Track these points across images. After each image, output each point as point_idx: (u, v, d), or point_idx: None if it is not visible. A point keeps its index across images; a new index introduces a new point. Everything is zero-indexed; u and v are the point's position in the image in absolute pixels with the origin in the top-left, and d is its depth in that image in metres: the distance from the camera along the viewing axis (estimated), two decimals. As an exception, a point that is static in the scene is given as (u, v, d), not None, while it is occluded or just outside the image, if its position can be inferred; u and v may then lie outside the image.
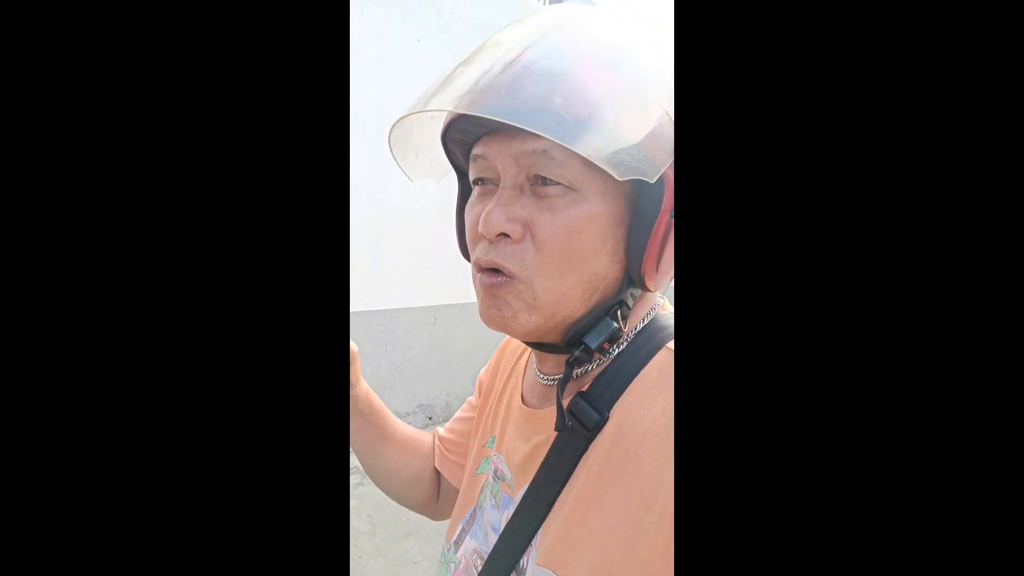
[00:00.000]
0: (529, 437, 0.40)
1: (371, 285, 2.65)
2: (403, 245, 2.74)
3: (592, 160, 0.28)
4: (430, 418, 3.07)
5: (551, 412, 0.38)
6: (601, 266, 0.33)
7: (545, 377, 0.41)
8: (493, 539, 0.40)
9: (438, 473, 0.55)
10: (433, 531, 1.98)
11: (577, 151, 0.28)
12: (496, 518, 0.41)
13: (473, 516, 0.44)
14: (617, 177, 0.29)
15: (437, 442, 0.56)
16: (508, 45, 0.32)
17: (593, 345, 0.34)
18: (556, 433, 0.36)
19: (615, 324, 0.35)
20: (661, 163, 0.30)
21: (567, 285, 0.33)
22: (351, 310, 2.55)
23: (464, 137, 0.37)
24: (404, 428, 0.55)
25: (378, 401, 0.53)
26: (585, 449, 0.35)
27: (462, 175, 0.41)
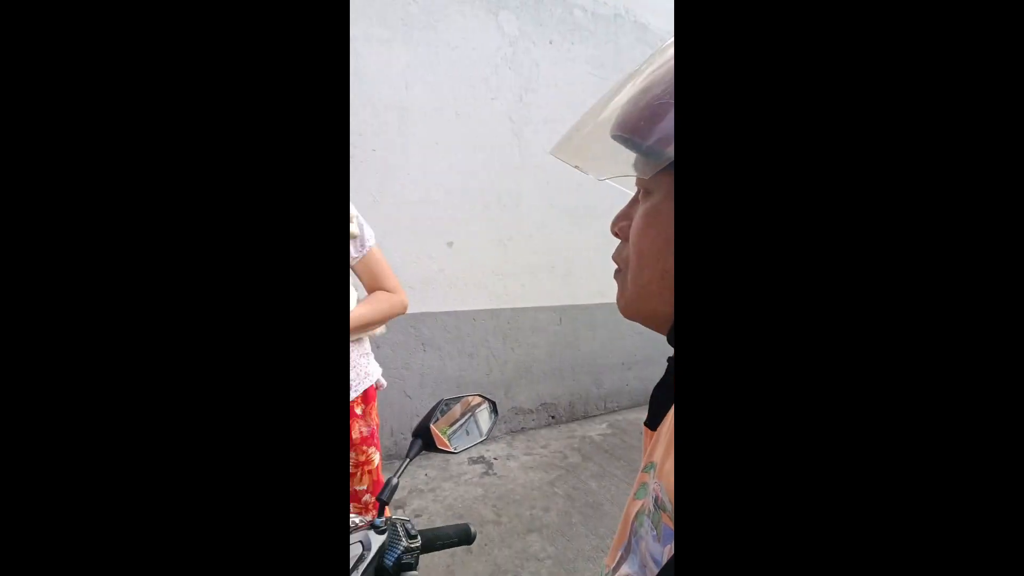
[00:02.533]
0: None
1: (500, 284, 2.75)
2: (531, 245, 2.80)
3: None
4: (552, 417, 3.09)
5: None
6: (667, 265, 0.34)
7: None
8: (653, 570, 0.37)
9: None
10: (555, 530, 1.98)
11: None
12: (657, 551, 0.38)
13: (630, 545, 0.42)
14: (646, 177, 0.33)
15: None
16: (657, 64, 0.35)
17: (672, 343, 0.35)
18: None
19: None
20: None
21: (645, 279, 0.35)
22: (482, 308, 2.69)
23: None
24: None
25: None
26: None
27: None
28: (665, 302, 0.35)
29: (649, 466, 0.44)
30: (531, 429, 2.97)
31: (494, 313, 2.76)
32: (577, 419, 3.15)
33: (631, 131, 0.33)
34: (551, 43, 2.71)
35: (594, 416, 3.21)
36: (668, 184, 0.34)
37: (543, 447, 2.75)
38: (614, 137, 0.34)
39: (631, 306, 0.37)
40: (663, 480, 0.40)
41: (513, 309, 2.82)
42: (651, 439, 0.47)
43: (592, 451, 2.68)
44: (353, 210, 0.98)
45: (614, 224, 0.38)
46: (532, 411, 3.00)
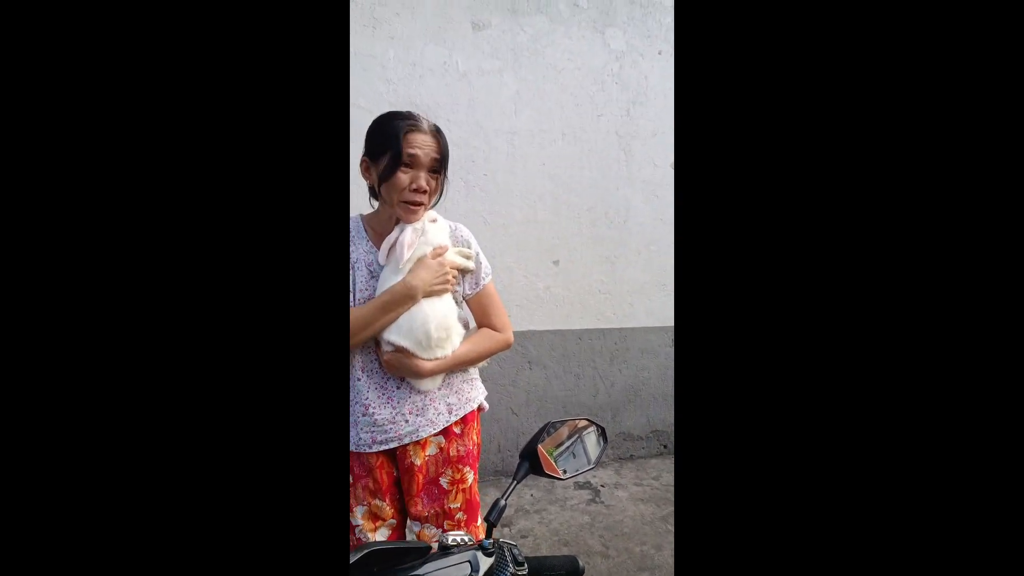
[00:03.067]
0: None
1: (606, 303, 2.67)
2: (640, 263, 2.69)
3: None
4: (664, 446, 2.88)
5: None
6: None
7: None
8: None
9: None
10: (669, 574, 1.81)
11: None
12: None
13: None
14: None
15: None
16: None
17: None
18: None
19: None
20: None
21: None
22: (588, 327, 2.63)
23: None
24: None
25: None
26: None
27: None
28: None
29: None
30: (641, 458, 2.80)
31: (601, 333, 2.68)
32: (693, 450, 2.90)
33: None
34: (660, 54, 2.63)
35: (712, 448, 2.92)
36: None
37: (654, 478, 2.57)
38: None
39: None
40: None
41: (621, 329, 2.71)
42: None
43: (711, 488, 2.43)
44: (475, 245, 1.01)
45: None
46: (642, 438, 2.83)
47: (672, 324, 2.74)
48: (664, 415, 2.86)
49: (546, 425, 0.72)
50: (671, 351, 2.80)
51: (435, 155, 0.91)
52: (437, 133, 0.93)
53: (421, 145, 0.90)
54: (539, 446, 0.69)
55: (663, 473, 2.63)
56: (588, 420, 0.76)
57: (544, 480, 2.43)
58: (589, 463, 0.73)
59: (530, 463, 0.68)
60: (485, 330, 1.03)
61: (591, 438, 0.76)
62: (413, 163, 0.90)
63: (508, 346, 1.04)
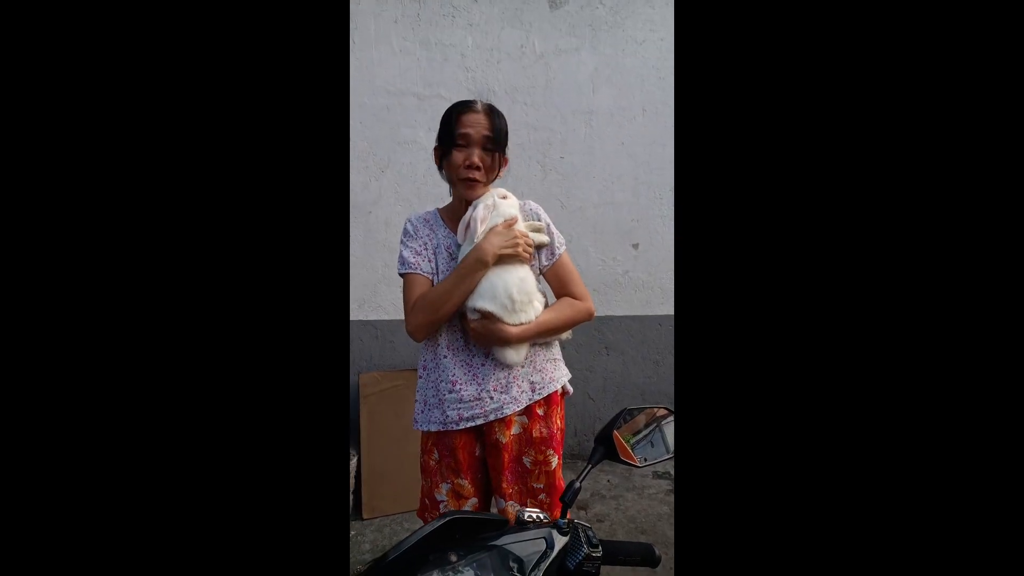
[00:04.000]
0: None
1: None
2: (726, 245, 2.52)
3: None
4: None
5: None
6: None
7: None
8: None
9: None
10: (754, 572, 1.72)
11: None
12: None
13: None
14: None
15: None
16: None
17: None
18: None
19: None
20: None
21: None
22: (666, 313, 2.52)
23: None
24: None
25: None
26: None
27: None
28: None
29: None
30: (725, 450, 2.67)
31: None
32: (785, 446, 2.70)
33: None
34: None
35: (808, 446, 2.71)
36: None
37: (740, 473, 2.44)
38: None
39: None
40: None
41: (705, 315, 2.58)
42: None
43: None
44: (544, 217, 1.02)
45: None
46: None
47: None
48: (752, 407, 2.69)
49: (622, 411, 0.71)
50: (762, 340, 2.61)
51: (486, 132, 0.95)
52: (490, 112, 0.97)
53: (472, 124, 0.95)
54: (615, 432, 0.68)
55: (750, 468, 2.49)
56: (667, 409, 0.73)
57: (621, 467, 2.40)
58: (667, 452, 0.71)
59: (605, 448, 0.68)
60: (566, 299, 1.03)
61: (669, 427, 0.74)
62: (467, 142, 0.95)
63: (591, 315, 1.03)
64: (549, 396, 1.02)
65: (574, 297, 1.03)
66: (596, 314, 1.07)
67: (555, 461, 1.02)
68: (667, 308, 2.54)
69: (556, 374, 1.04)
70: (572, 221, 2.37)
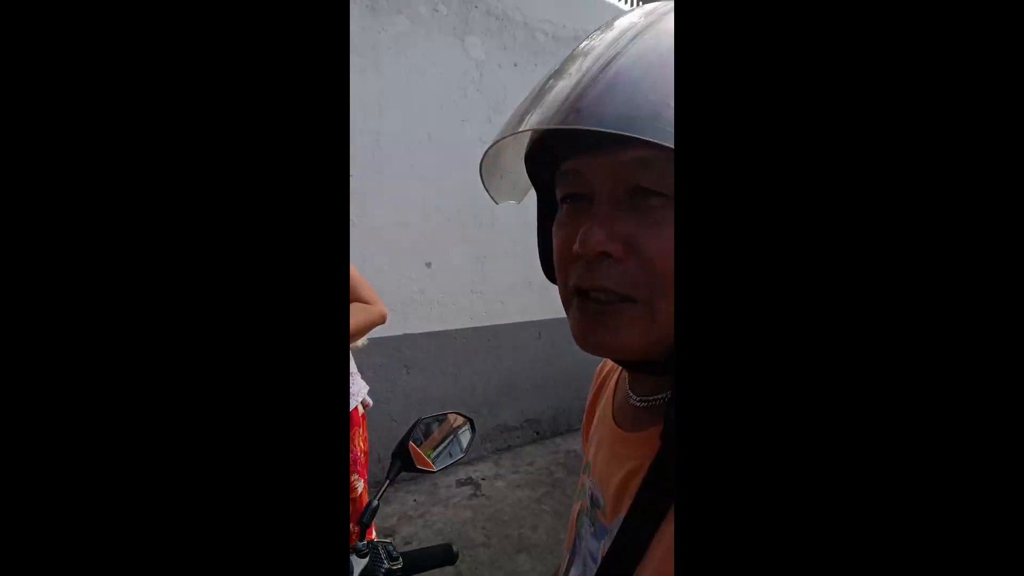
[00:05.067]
0: (622, 463, 0.37)
1: (479, 302, 2.76)
2: (507, 263, 2.83)
3: None
4: (537, 432, 3.08)
5: (644, 436, 0.35)
6: None
7: (638, 399, 0.38)
8: (592, 567, 0.38)
9: None
10: (544, 548, 1.96)
11: None
12: (595, 547, 0.39)
13: (574, 548, 0.43)
14: None
15: None
16: (599, 52, 0.30)
17: None
18: (650, 460, 0.33)
19: None
20: None
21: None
22: (462, 327, 2.69)
23: (551, 153, 0.34)
24: None
25: None
26: None
27: (544, 192, 0.39)
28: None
29: (586, 467, 0.45)
30: (517, 447, 2.96)
31: (475, 332, 2.76)
32: (561, 433, 3.15)
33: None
34: (516, 66, 2.79)
35: (577, 429, 3.21)
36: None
37: (529, 464, 2.74)
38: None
39: (661, 338, 0.30)
40: (596, 478, 0.41)
41: (494, 327, 2.83)
42: (586, 440, 0.48)
43: (576, 464, 2.67)
44: None
45: (611, 242, 0.29)
46: (517, 427, 2.99)
47: (539, 319, 2.94)
48: (535, 404, 3.05)
49: (416, 422, 0.74)
50: (539, 344, 3.00)
51: None
52: None
53: None
54: (410, 443, 0.71)
55: (537, 458, 2.81)
56: (457, 413, 0.80)
57: (427, 483, 2.43)
58: (461, 452, 0.77)
59: (402, 461, 0.70)
60: (356, 303, 1.01)
61: (462, 431, 0.80)
62: None
63: (383, 318, 1.02)
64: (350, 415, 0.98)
65: (364, 301, 1.02)
66: (394, 333, 1.08)
67: (360, 486, 0.98)
68: (462, 322, 2.70)
69: (354, 387, 1.01)
70: (365, 240, 2.32)
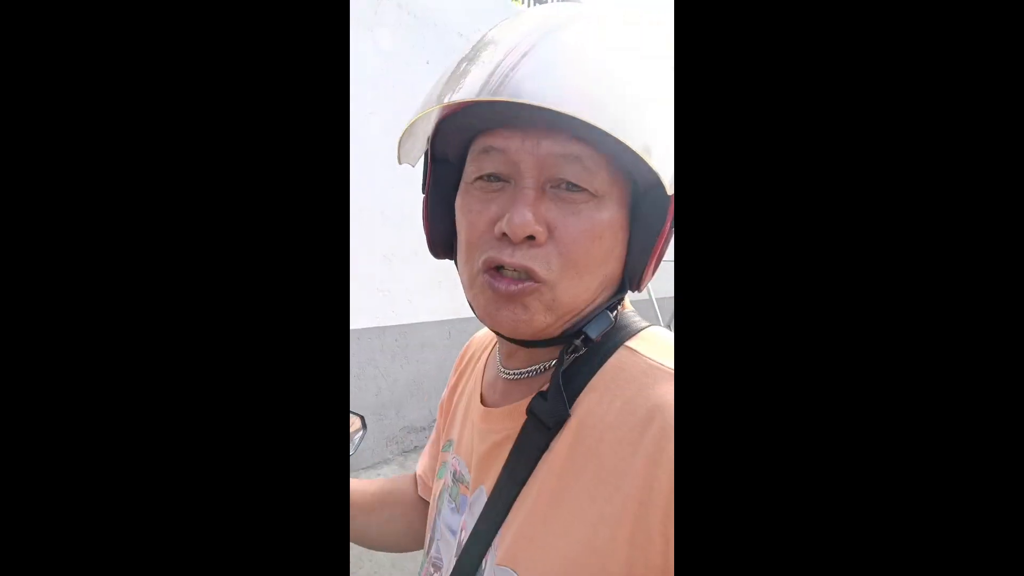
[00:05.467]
0: (486, 436, 0.40)
1: (385, 301, 2.69)
2: (416, 261, 2.79)
3: (651, 165, 0.29)
4: (445, 432, 3.08)
5: (511, 410, 0.38)
6: (610, 269, 0.35)
7: (509, 372, 0.41)
8: (451, 541, 0.41)
9: (419, 504, 0.57)
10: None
11: (634, 149, 0.28)
12: (454, 521, 0.41)
13: (436, 522, 0.45)
14: (669, 191, 0.30)
15: (419, 475, 0.58)
16: (513, 40, 0.31)
17: (594, 335, 0.35)
18: (516, 432, 0.37)
19: (612, 318, 0.37)
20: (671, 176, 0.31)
21: (583, 287, 0.34)
22: (367, 326, 2.60)
23: (465, 129, 0.35)
24: (374, 489, 0.56)
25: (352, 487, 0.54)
26: (546, 447, 0.35)
27: (444, 167, 0.39)
28: (589, 303, 0.35)
29: (447, 444, 0.47)
30: (423, 447, 2.92)
31: (381, 331, 2.68)
32: (470, 431, 3.18)
33: (613, 123, 0.28)
34: (428, 63, 2.77)
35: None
36: (623, 195, 0.33)
37: (437, 463, 2.72)
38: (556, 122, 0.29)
39: (558, 318, 0.34)
40: (460, 454, 0.44)
41: (400, 326, 2.77)
42: (444, 418, 0.50)
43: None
44: None
45: (537, 226, 0.31)
46: (424, 428, 2.96)
47: (449, 318, 2.95)
48: (444, 403, 3.04)
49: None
50: (448, 342, 3.00)
51: None
52: None
53: None
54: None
55: (444, 457, 2.81)
56: (357, 415, 0.79)
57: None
58: (351, 451, 0.76)
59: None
60: None
61: (357, 436, 0.79)
62: None
63: None
64: None
65: None
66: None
67: None
68: (365, 321, 2.61)
69: None
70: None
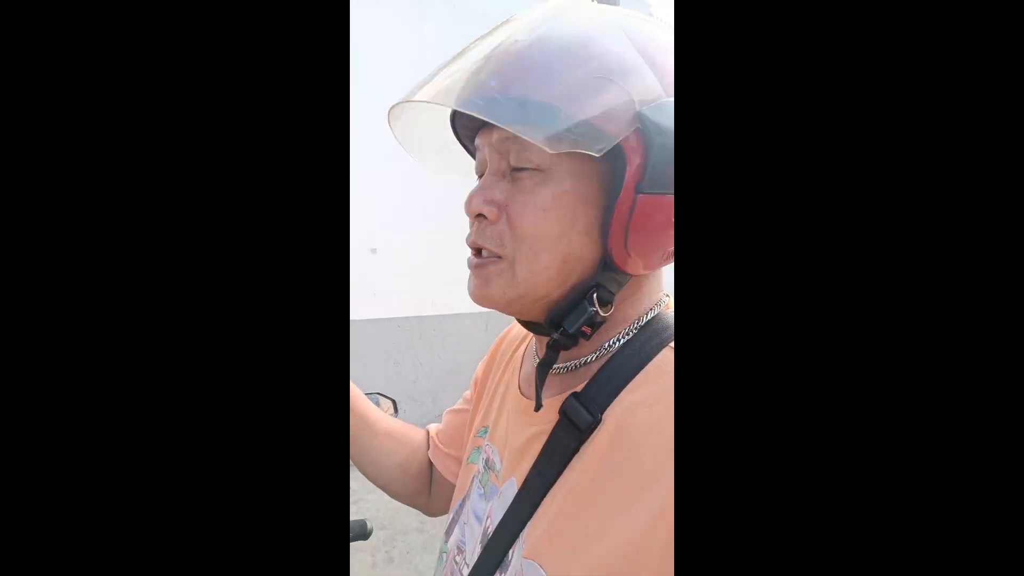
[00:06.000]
0: (524, 427, 0.40)
1: (425, 291, 2.74)
2: (456, 252, 2.82)
3: (519, 134, 0.30)
4: (479, 422, 3.11)
5: (549, 404, 0.38)
6: (575, 246, 0.34)
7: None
8: (476, 527, 0.41)
9: (430, 466, 0.57)
10: (481, 533, 2.00)
11: (508, 128, 0.31)
12: (481, 508, 0.41)
13: (462, 506, 0.45)
14: (548, 150, 0.31)
15: (432, 434, 0.58)
16: (489, 43, 0.34)
17: (571, 329, 0.35)
18: (553, 425, 0.36)
19: (592, 308, 0.35)
20: (610, 138, 0.31)
21: (542, 264, 0.34)
22: (405, 315, 2.66)
23: (469, 132, 0.40)
24: (388, 420, 0.57)
25: (359, 392, 0.55)
26: (577, 449, 0.35)
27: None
28: (559, 284, 0.35)
29: (482, 431, 0.47)
30: (458, 435, 2.97)
31: (420, 320, 2.74)
32: (503, 423, 3.20)
33: (560, 99, 0.30)
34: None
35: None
36: (574, 167, 0.33)
37: (470, 452, 2.76)
38: (500, 99, 0.31)
39: (523, 294, 0.35)
40: (495, 443, 0.43)
41: (439, 316, 2.82)
42: (479, 402, 0.50)
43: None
44: None
45: (485, 204, 0.35)
46: (459, 417, 3.01)
47: (486, 310, 2.96)
48: (479, 394, 3.07)
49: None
50: (486, 334, 3.03)
51: None
52: None
53: None
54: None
55: (478, 447, 2.84)
56: (379, 394, 0.80)
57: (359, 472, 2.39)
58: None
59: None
60: None
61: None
62: None
63: None
64: None
65: None
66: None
67: None
68: (406, 310, 2.67)
69: None
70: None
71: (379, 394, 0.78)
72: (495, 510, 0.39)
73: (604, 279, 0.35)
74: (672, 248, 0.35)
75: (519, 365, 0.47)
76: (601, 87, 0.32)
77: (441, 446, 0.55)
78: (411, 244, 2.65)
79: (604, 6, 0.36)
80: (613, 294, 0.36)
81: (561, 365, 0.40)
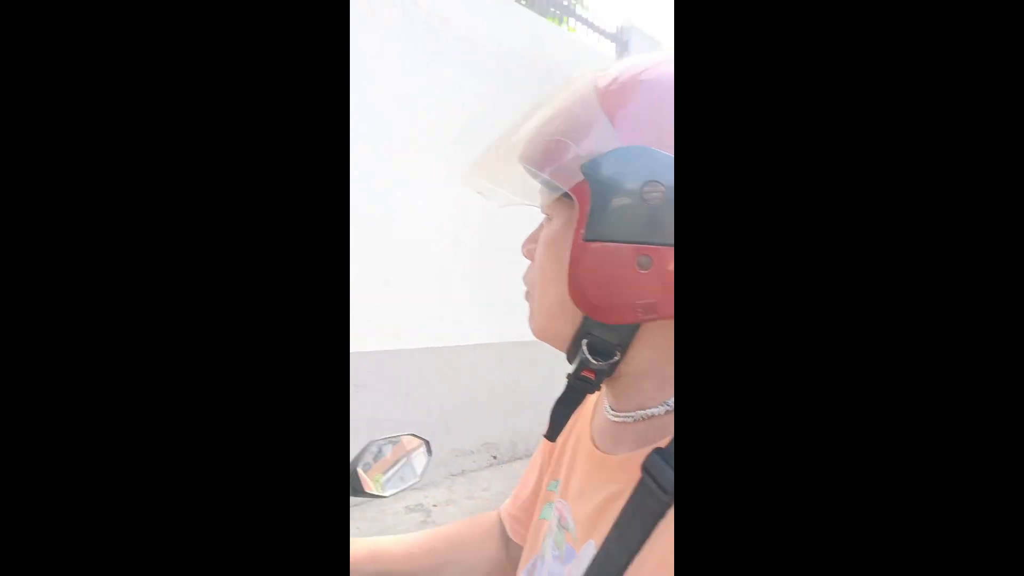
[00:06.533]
0: (600, 486, 0.37)
1: (438, 322, 2.72)
2: (471, 283, 2.81)
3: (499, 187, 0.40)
4: (495, 456, 3.02)
5: (625, 460, 0.35)
6: (564, 291, 0.34)
7: (616, 414, 0.38)
8: None
9: (506, 548, 0.54)
10: None
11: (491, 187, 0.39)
12: (558, 571, 0.38)
13: (535, 566, 0.42)
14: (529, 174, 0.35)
15: (506, 516, 0.55)
16: (550, 105, 0.38)
17: (571, 372, 0.36)
18: (630, 487, 0.33)
19: (585, 354, 0.35)
20: (565, 183, 0.32)
21: (547, 303, 0.36)
22: (418, 346, 2.63)
23: None
24: (423, 544, 0.57)
25: (382, 548, 0.55)
26: (663, 513, 0.31)
27: None
28: (566, 323, 0.35)
29: (553, 484, 0.44)
30: (472, 471, 2.89)
31: (432, 352, 2.71)
32: (519, 458, 3.10)
33: (530, 162, 0.35)
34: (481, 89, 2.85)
35: (535, 454, 3.19)
36: (565, 212, 0.35)
37: (484, 490, 2.68)
38: (522, 164, 0.35)
39: (540, 327, 0.38)
40: (568, 501, 0.40)
41: (452, 348, 2.78)
42: (551, 454, 0.48)
43: (534, 490, 2.64)
44: None
45: (525, 245, 0.40)
46: (473, 452, 2.92)
47: (500, 341, 2.93)
48: (494, 427, 3.00)
49: (368, 444, 0.71)
50: (499, 366, 2.98)
51: None
52: None
53: None
54: (358, 468, 0.68)
55: (493, 483, 2.75)
56: (413, 436, 0.77)
57: (372, 509, 2.31)
58: (415, 477, 0.74)
59: (351, 485, 0.67)
60: None
61: (419, 456, 0.77)
62: None
63: None
64: None
65: None
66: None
67: None
68: (418, 342, 2.64)
69: None
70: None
71: (412, 435, 0.75)
72: (573, 575, 0.36)
73: (594, 327, 0.34)
74: (652, 301, 0.32)
75: (590, 415, 0.44)
76: (558, 145, 0.34)
77: (519, 526, 0.53)
78: (424, 276, 2.65)
79: (598, 73, 0.38)
80: (610, 344, 0.34)
81: (626, 413, 0.37)
